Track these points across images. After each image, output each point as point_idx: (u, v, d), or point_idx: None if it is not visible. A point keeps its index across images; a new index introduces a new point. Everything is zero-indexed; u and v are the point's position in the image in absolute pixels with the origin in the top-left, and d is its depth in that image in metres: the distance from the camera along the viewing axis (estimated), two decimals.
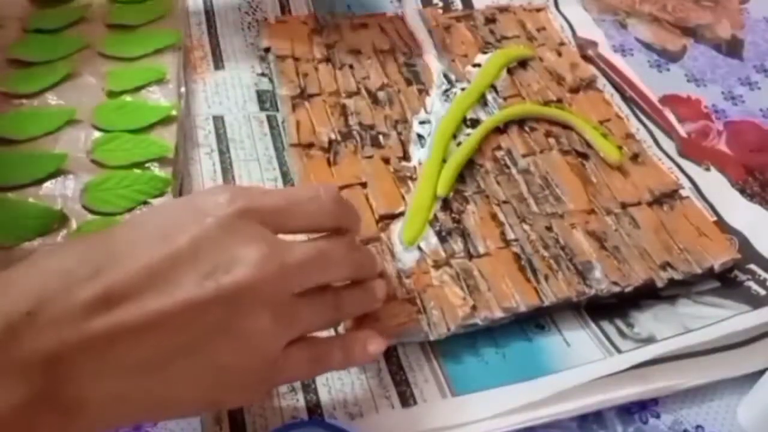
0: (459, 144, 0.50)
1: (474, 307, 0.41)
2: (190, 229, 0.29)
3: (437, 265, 0.43)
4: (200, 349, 0.29)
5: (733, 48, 0.66)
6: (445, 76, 0.56)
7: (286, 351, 0.32)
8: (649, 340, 0.42)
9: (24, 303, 0.26)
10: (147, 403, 0.29)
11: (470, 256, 0.44)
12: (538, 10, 0.65)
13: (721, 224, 0.49)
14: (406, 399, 0.39)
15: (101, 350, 0.26)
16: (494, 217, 0.46)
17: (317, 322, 0.35)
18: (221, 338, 0.29)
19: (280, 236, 0.33)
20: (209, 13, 0.61)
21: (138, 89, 0.50)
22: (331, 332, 0.39)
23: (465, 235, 0.45)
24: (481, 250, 0.44)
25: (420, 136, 0.50)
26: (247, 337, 0.30)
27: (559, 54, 0.60)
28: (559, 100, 0.55)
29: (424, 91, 0.55)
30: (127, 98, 0.50)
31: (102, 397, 0.27)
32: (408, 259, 0.43)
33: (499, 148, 0.51)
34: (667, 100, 0.59)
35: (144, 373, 0.28)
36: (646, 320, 0.43)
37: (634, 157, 0.51)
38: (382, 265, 0.41)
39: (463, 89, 0.54)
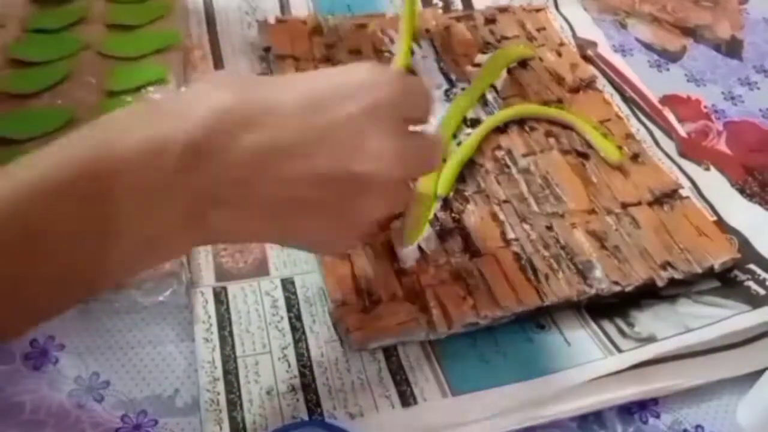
0: (459, 144, 0.50)
1: (474, 307, 0.41)
2: (345, 106, 0.31)
3: (437, 265, 0.43)
4: (319, 211, 0.32)
5: (732, 48, 0.66)
6: (445, 75, 0.56)
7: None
8: (650, 339, 0.42)
9: (202, 130, 0.28)
10: (259, 239, 0.38)
11: (470, 256, 0.44)
12: (538, 10, 0.65)
13: (721, 224, 0.49)
14: (406, 399, 0.39)
15: (247, 193, 0.30)
16: (494, 216, 0.46)
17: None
18: (339, 205, 0.33)
19: None
20: (209, 13, 0.61)
21: (138, 89, 0.50)
22: None
23: (465, 234, 0.45)
24: (482, 249, 0.44)
25: None
26: (361, 208, 0.33)
27: (559, 54, 0.60)
28: (559, 100, 0.55)
29: None
30: (127, 98, 0.50)
31: (230, 228, 0.31)
32: (408, 258, 0.43)
33: (499, 147, 0.51)
34: (667, 100, 0.59)
35: (270, 218, 0.32)
36: (646, 320, 0.43)
37: (634, 157, 0.51)
38: None
39: (463, 89, 0.54)
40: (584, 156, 0.51)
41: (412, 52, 0.57)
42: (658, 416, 0.40)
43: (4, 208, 0.27)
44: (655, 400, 0.41)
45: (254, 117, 0.30)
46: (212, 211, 0.30)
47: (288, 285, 0.43)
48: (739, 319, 0.42)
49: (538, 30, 0.62)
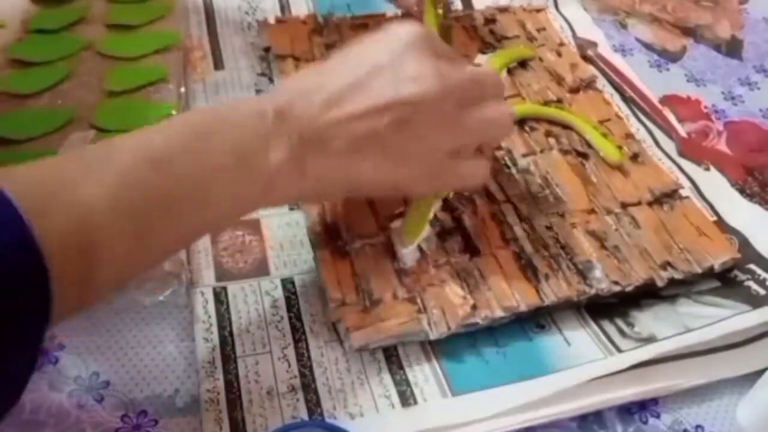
0: None
1: (474, 307, 0.41)
2: (383, 52, 0.39)
3: (437, 265, 0.43)
4: (385, 139, 0.38)
5: (732, 48, 0.66)
6: None
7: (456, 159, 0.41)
8: (650, 339, 0.42)
9: (284, 100, 0.37)
10: (349, 179, 0.39)
11: (470, 256, 0.44)
12: (538, 10, 0.65)
13: (721, 224, 0.49)
14: (406, 399, 0.39)
15: (327, 137, 0.37)
16: (494, 216, 0.46)
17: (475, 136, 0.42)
18: (400, 132, 0.38)
19: None
20: (209, 13, 0.62)
21: (138, 89, 0.51)
22: None
23: (465, 234, 0.45)
24: (482, 249, 0.44)
25: None
26: (420, 133, 0.38)
27: (559, 54, 0.60)
28: (559, 100, 0.55)
29: None
30: (127, 98, 0.50)
31: (324, 171, 0.38)
32: (408, 258, 0.43)
33: (499, 147, 0.51)
34: (667, 100, 0.59)
35: (349, 156, 0.38)
36: (646, 320, 0.43)
37: (634, 157, 0.51)
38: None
39: None
40: (584, 156, 0.51)
41: None
42: (658, 416, 0.40)
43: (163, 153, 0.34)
44: (655, 400, 0.41)
45: (319, 82, 0.38)
46: (308, 156, 0.37)
47: (288, 285, 0.43)
48: (739, 319, 0.42)
49: (538, 30, 0.62)
